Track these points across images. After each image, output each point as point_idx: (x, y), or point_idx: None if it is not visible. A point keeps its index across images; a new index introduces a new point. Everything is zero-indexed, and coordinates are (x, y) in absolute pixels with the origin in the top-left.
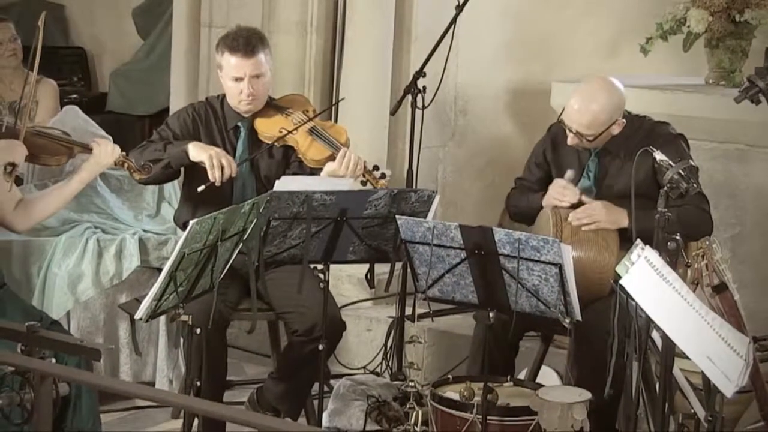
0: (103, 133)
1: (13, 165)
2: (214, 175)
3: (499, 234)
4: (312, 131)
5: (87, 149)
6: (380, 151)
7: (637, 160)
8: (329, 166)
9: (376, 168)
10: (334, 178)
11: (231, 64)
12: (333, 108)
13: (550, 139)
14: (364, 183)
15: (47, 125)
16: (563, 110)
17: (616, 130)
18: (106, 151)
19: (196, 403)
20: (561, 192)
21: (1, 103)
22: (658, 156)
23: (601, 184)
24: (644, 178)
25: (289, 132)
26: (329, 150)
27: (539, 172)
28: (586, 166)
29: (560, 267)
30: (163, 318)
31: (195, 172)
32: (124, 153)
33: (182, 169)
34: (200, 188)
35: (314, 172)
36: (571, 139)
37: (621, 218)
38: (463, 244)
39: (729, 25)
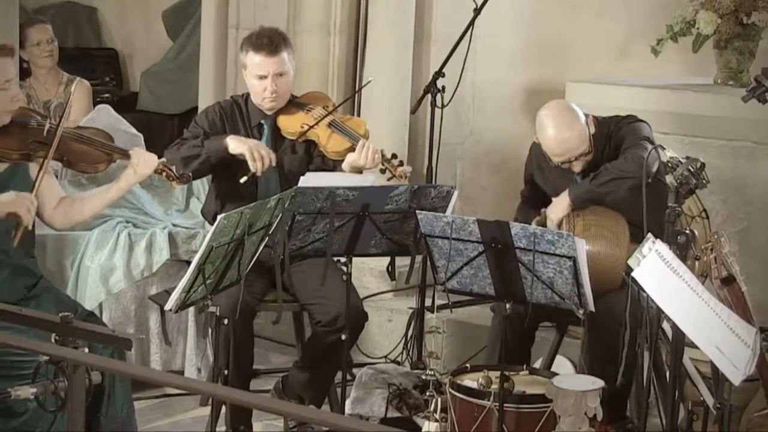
0: (134, 131)
1: (18, 217)
2: (256, 167)
3: (516, 228)
4: (332, 124)
5: (126, 156)
6: (401, 148)
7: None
8: (350, 157)
9: (394, 156)
10: (356, 175)
11: (255, 62)
12: (356, 98)
13: (535, 161)
14: (383, 171)
15: (86, 126)
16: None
17: (592, 128)
18: (144, 161)
19: (224, 391)
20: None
21: (36, 102)
22: (669, 153)
23: None
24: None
25: (311, 127)
26: (349, 142)
27: (533, 191)
28: (574, 180)
29: (574, 260)
30: (192, 309)
31: (224, 167)
32: (162, 160)
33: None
34: (242, 179)
35: (336, 164)
36: (577, 165)
37: (562, 202)
38: (481, 238)
39: (737, 27)
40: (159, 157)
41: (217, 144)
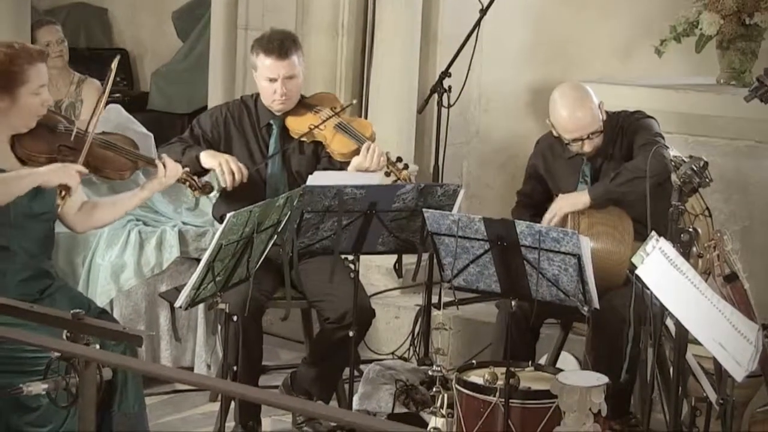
0: (144, 130)
1: (67, 188)
2: (225, 181)
3: (521, 226)
4: (338, 126)
5: (152, 164)
6: (408, 148)
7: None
8: (356, 159)
9: (399, 159)
10: (364, 173)
11: (265, 65)
12: (363, 103)
13: (541, 154)
14: (388, 174)
15: (112, 132)
16: (554, 130)
17: (603, 114)
18: (170, 172)
19: (233, 386)
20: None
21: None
22: (672, 153)
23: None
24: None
25: (316, 127)
26: (355, 144)
27: (538, 186)
28: (581, 172)
29: (579, 258)
30: (201, 306)
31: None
32: (186, 170)
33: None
34: (212, 195)
35: (342, 165)
36: (588, 144)
37: (579, 198)
38: (487, 236)
39: (739, 27)
40: (183, 167)
41: (191, 155)
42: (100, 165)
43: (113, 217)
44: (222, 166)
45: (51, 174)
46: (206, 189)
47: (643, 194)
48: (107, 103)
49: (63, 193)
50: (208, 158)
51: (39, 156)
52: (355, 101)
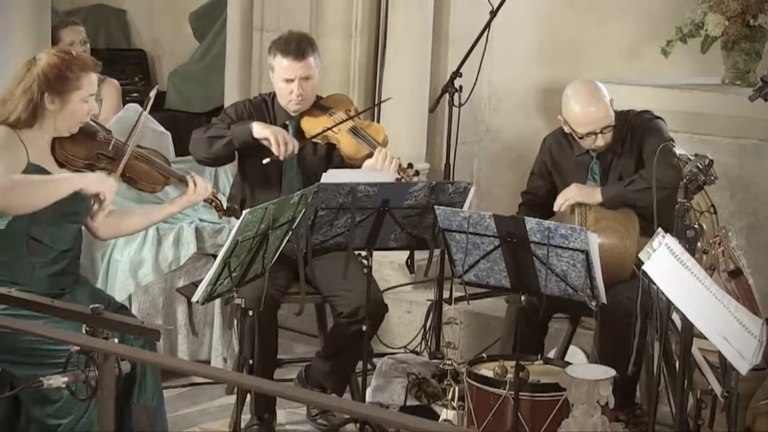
0: (162, 129)
1: (102, 199)
2: (279, 151)
3: (530, 223)
4: (352, 131)
5: (183, 181)
6: (419, 146)
7: (646, 150)
8: (368, 163)
9: (410, 166)
10: (376, 171)
11: (282, 66)
12: (376, 107)
13: (548, 151)
14: (398, 180)
15: (147, 147)
16: (566, 126)
17: (612, 111)
18: (200, 190)
19: (249, 380)
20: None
21: None
22: (678, 151)
23: (607, 182)
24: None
25: (330, 129)
26: (368, 148)
27: (545, 184)
28: (590, 170)
29: (587, 253)
30: (218, 301)
31: (248, 160)
32: (214, 190)
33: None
34: (265, 160)
35: (354, 168)
36: (601, 139)
37: (592, 193)
38: (497, 233)
39: (744, 29)
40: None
41: (242, 127)
42: (136, 177)
43: (139, 227)
44: (276, 135)
45: (91, 182)
46: (230, 212)
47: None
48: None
49: (96, 202)
50: (260, 129)
51: (77, 161)
52: (391, 98)
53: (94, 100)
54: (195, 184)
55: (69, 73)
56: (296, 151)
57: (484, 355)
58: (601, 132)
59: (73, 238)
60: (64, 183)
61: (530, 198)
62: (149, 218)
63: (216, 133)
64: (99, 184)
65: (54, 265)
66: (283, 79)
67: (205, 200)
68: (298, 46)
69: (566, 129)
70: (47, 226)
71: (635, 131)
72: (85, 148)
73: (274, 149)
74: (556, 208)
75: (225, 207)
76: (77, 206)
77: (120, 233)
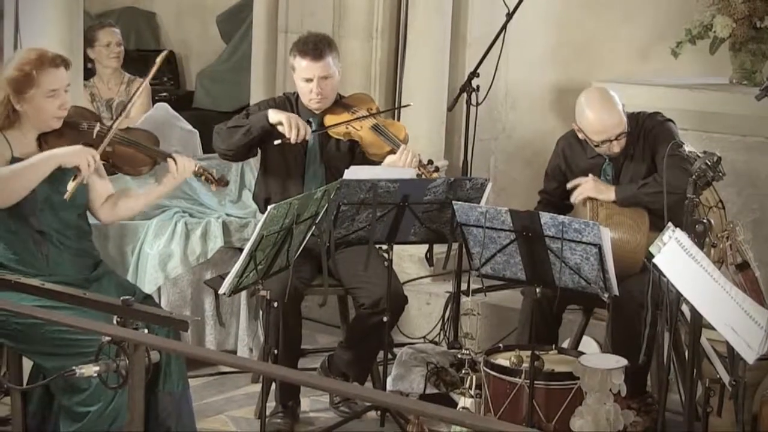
0: (189, 127)
1: (79, 171)
2: (290, 134)
3: (545, 218)
4: (375, 128)
5: (166, 159)
6: (438, 144)
7: (658, 154)
8: (389, 159)
9: (430, 162)
10: (397, 168)
11: (302, 66)
12: (396, 102)
13: (561, 153)
14: (419, 176)
15: (135, 128)
16: (580, 133)
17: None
18: (182, 167)
19: (274, 369)
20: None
21: (99, 100)
22: (688, 148)
23: (619, 183)
24: (648, 166)
25: (349, 122)
26: (389, 146)
27: (559, 185)
28: (603, 171)
29: (600, 247)
30: (244, 293)
31: (270, 153)
32: (201, 164)
33: (259, 152)
34: (276, 141)
35: (376, 164)
36: (617, 145)
37: (605, 190)
38: (513, 227)
39: (751, 30)
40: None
41: (259, 115)
42: (120, 162)
43: (137, 210)
44: (290, 120)
45: (68, 155)
46: (222, 181)
47: (668, 206)
48: (155, 100)
49: (75, 176)
50: (275, 114)
51: None
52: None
53: (64, 92)
54: (176, 162)
55: (26, 73)
56: (308, 138)
57: (500, 345)
58: (616, 139)
59: (74, 226)
60: (43, 162)
61: (547, 197)
62: (145, 200)
63: (235, 123)
64: (76, 155)
65: (64, 253)
66: (303, 78)
67: (194, 174)
68: (315, 46)
69: (581, 136)
70: (41, 214)
71: (647, 134)
72: (69, 140)
73: (285, 132)
74: (573, 199)
75: (216, 177)
76: (60, 192)
77: (120, 217)
